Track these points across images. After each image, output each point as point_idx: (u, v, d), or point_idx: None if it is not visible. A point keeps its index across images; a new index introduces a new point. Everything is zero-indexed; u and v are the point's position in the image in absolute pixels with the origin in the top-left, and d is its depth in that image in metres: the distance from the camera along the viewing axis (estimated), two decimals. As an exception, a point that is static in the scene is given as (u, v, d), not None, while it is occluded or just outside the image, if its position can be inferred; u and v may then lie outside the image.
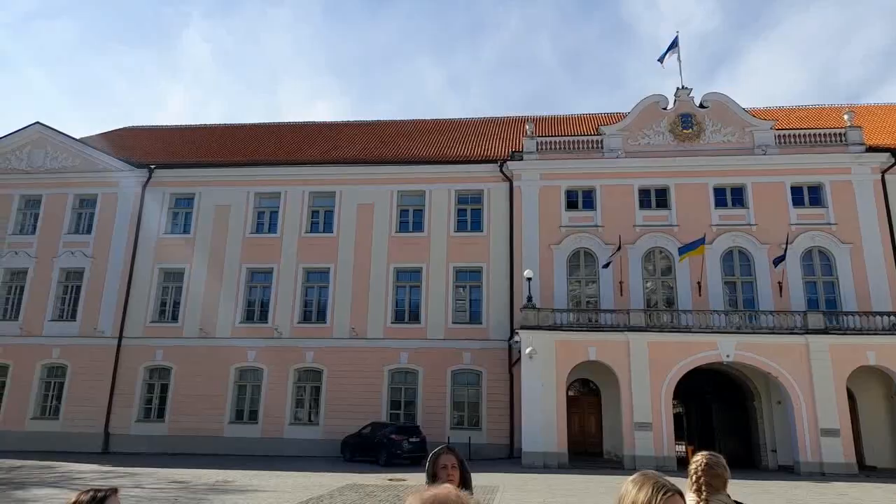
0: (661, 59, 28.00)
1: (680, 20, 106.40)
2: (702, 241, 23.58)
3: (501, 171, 27.19)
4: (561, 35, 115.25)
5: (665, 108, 27.42)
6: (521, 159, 27.10)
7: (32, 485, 16.25)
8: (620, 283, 24.85)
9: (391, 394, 25.28)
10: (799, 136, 26.45)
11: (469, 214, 27.44)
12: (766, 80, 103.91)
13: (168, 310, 27.37)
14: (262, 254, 27.37)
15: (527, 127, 28.37)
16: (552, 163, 26.98)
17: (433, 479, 3.38)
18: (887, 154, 25.43)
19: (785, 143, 26.38)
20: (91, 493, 2.55)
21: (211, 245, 27.63)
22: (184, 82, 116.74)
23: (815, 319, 21.68)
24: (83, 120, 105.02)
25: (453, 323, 25.83)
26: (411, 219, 27.62)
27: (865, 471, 20.72)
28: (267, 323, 26.50)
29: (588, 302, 25.42)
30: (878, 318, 21.95)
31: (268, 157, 30.02)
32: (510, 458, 22.94)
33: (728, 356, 21.50)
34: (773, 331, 21.73)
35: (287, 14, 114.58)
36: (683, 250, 23.98)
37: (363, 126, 34.95)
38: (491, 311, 25.68)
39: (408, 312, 26.34)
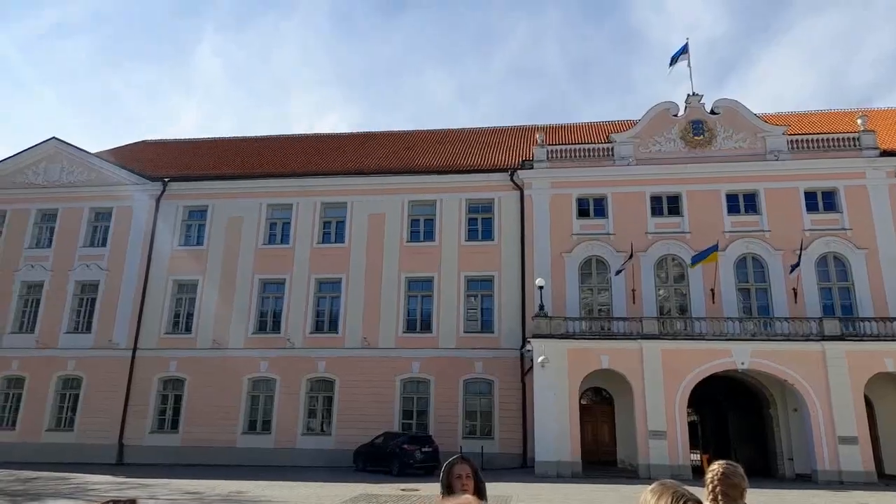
0: (672, 63, 27.87)
1: (689, 26, 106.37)
2: (715, 248, 23.42)
3: (512, 180, 27.21)
4: (569, 43, 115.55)
5: (676, 115, 27.36)
6: (532, 168, 27.12)
7: (48, 496, 16.37)
8: (633, 290, 24.72)
9: (403, 403, 25.24)
10: (812, 140, 26.27)
11: (480, 224, 27.45)
12: (776, 85, 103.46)
13: (182, 321, 27.57)
14: (275, 265, 27.53)
15: (537, 136, 28.40)
16: (563, 171, 26.97)
17: (448, 489, 3.37)
18: (902, 158, 25.16)
19: (798, 148, 26.20)
20: None
21: (224, 257, 27.84)
22: (196, 96, 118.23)
23: (832, 326, 21.42)
24: (98, 135, 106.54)
25: (465, 332, 25.79)
26: (422, 228, 27.68)
27: (885, 479, 20.37)
28: (279, 333, 26.60)
29: (600, 310, 25.29)
30: (895, 323, 21.64)
31: (279, 169, 30.26)
32: (523, 467, 22.78)
33: (743, 363, 21.28)
34: (788, 338, 21.50)
35: (297, 27, 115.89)
36: (696, 259, 23.83)
37: (374, 137, 35.18)
38: (503, 319, 25.62)
39: (419, 322, 26.34)
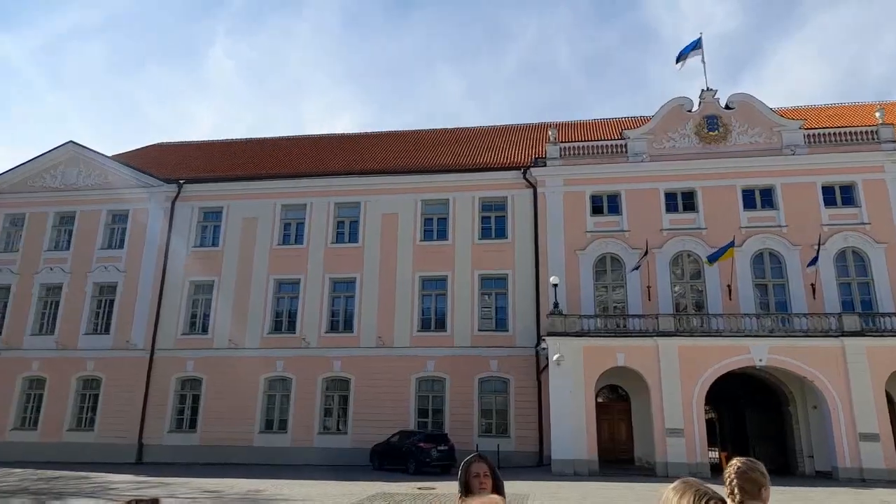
0: (679, 60, 27.62)
1: (702, 21, 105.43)
2: (731, 245, 23.22)
3: (525, 177, 27.15)
4: (581, 40, 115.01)
5: (690, 111, 27.14)
6: (545, 165, 27.03)
7: (70, 495, 16.60)
8: (648, 287, 24.57)
9: (419, 402, 25.28)
10: (829, 135, 25.94)
11: (493, 222, 27.42)
12: (791, 79, 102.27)
13: (198, 322, 27.80)
14: (289, 265, 27.68)
15: (549, 133, 28.31)
16: (576, 168, 26.85)
17: (465, 487, 3.38)
18: (922, 151, 24.77)
19: (814, 142, 25.89)
20: None
21: (239, 257, 28.04)
22: (210, 98, 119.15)
23: (851, 321, 21.15)
24: (113, 138, 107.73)
25: (479, 330, 25.77)
26: (435, 227, 27.70)
27: (908, 477, 20.04)
28: (295, 333, 26.74)
29: (615, 307, 25.15)
30: (916, 318, 21.34)
31: (293, 169, 30.41)
32: (539, 465, 22.74)
33: (761, 360, 21.08)
34: (807, 334, 21.26)
35: (308, 28, 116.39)
36: (713, 257, 23.65)
37: (386, 136, 35.29)
38: (517, 318, 25.57)
39: (434, 321, 26.37)
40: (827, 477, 20.51)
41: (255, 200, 28.80)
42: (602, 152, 27.13)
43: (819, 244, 23.51)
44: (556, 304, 23.07)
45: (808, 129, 26.33)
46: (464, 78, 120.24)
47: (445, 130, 35.35)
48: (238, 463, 24.25)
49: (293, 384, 26.05)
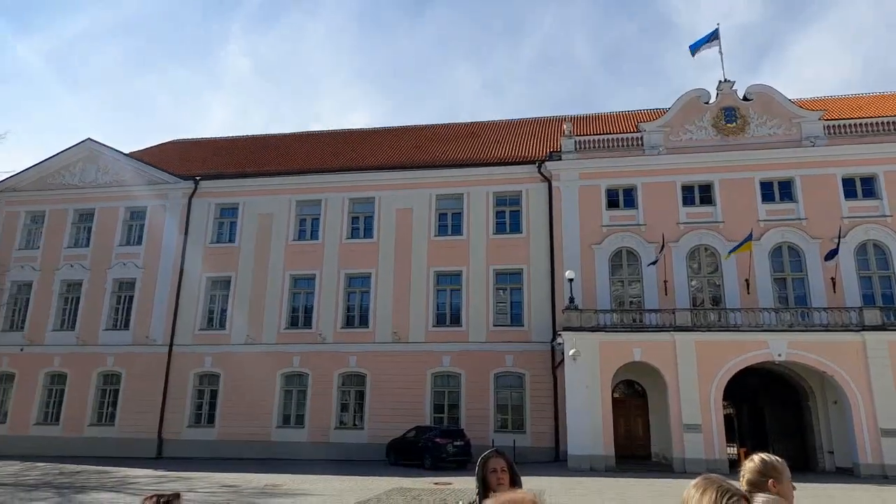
0: (693, 51, 27.27)
1: (721, 12, 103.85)
2: (749, 238, 22.93)
3: (540, 171, 27.00)
4: (597, 32, 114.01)
5: (707, 103, 26.79)
6: (560, 159, 26.84)
7: (92, 489, 16.88)
8: (665, 282, 24.35)
9: (434, 397, 25.33)
10: (850, 125, 25.48)
11: (508, 216, 27.32)
12: (812, 69, 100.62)
13: (215, 317, 28.05)
14: (305, 260, 27.81)
15: (564, 126, 28.10)
16: (591, 162, 26.64)
17: (483, 482, 3.39)
18: (946, 141, 24.26)
19: (835, 133, 25.45)
20: (155, 499, 2.58)
21: (255, 253, 28.22)
22: (226, 95, 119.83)
23: (872, 315, 20.83)
24: (130, 135, 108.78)
25: (494, 325, 25.74)
26: (450, 222, 27.65)
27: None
28: (310, 329, 26.88)
29: (632, 302, 24.99)
30: (940, 312, 20.96)
31: (308, 165, 30.50)
32: (556, 461, 22.71)
33: (780, 355, 20.84)
34: (827, 328, 20.97)
35: (323, 26, 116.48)
36: (732, 250, 23.39)
37: (401, 131, 35.25)
38: (532, 313, 25.50)
39: (449, 316, 26.37)
40: (848, 473, 20.26)
41: (270, 196, 28.94)
42: (618, 145, 26.88)
43: (839, 237, 23.14)
44: (571, 299, 22.97)
45: (827, 120, 25.88)
46: (479, 73, 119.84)
47: (459, 125, 35.24)
48: (255, 458, 24.46)
49: (309, 379, 26.21)
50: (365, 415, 25.50)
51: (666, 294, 24.24)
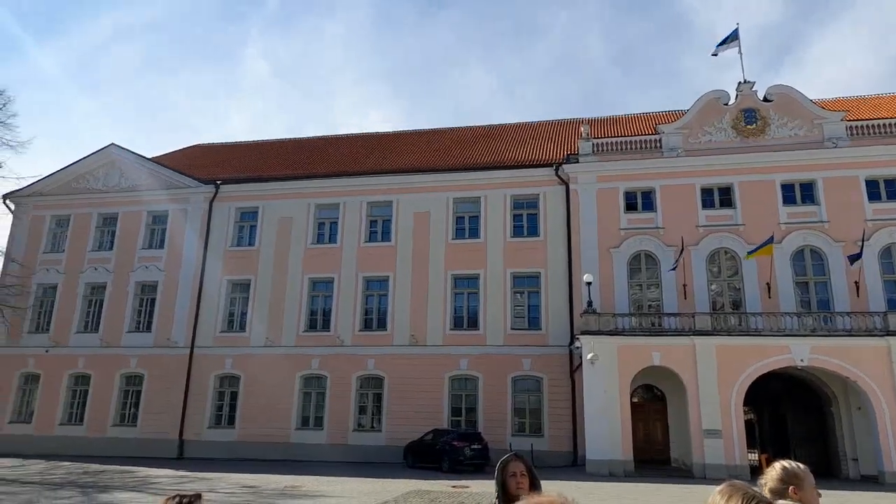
0: (716, 52, 27.09)
1: (739, 11, 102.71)
2: (770, 241, 22.66)
3: (557, 174, 26.94)
4: (613, 33, 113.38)
5: (726, 104, 26.55)
6: (577, 162, 26.76)
7: (115, 488, 17.14)
8: (684, 285, 24.15)
9: (452, 400, 25.35)
10: (872, 126, 25.08)
11: (525, 219, 27.28)
12: (834, 69, 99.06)
13: (236, 320, 28.36)
14: (323, 264, 28.02)
15: (582, 129, 28.01)
16: (609, 164, 26.52)
17: (502, 486, 3.41)
18: (973, 142, 23.77)
19: (858, 134, 25.06)
20: (177, 499, 2.61)
21: (275, 256, 28.49)
22: (245, 99, 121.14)
23: (897, 320, 20.45)
24: (151, 139, 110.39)
25: (512, 329, 25.71)
26: (467, 225, 27.70)
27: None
28: (329, 331, 27.07)
29: (650, 306, 24.80)
30: (967, 317, 20.51)
31: (326, 169, 30.74)
32: (573, 465, 22.60)
33: (802, 360, 20.55)
34: (850, 333, 20.66)
35: (339, 27, 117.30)
36: (750, 252, 23.12)
37: (417, 135, 35.41)
38: (550, 316, 25.43)
39: (466, 319, 26.39)
40: (873, 481, 19.90)
41: (289, 200, 29.21)
42: (636, 148, 26.73)
43: (863, 240, 22.79)
44: (589, 303, 22.88)
45: (850, 120, 25.51)
46: (494, 74, 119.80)
47: (476, 128, 35.30)
48: (275, 459, 24.68)
49: (328, 382, 26.39)
50: (383, 417, 25.60)
51: (685, 298, 24.03)
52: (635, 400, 23.53)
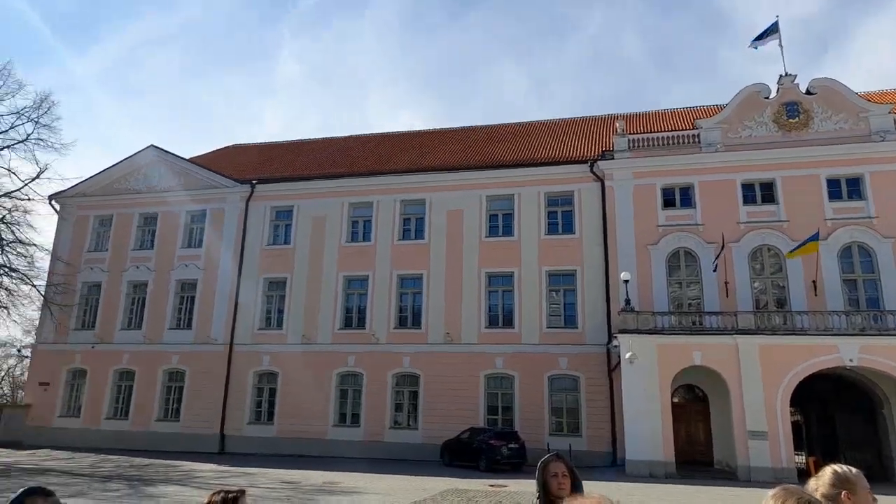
0: (755, 43, 26.38)
1: (778, 4, 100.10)
2: (815, 237, 22.02)
3: (592, 171, 26.62)
4: (648, 28, 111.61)
5: (767, 98, 25.90)
6: (613, 158, 26.41)
7: (160, 482, 17.55)
8: (726, 283, 23.64)
9: (488, 399, 25.29)
10: (923, 118, 24.15)
11: (560, 217, 27.04)
12: (878, 60, 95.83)
13: (273, 317, 28.75)
14: (358, 262, 28.21)
15: (617, 125, 27.63)
16: (645, 160, 26.11)
17: (544, 487, 3.38)
18: None
19: (906, 127, 24.17)
20: (222, 495, 2.63)
21: (310, 255, 28.79)
22: (278, 100, 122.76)
23: (952, 319, 19.69)
24: (187, 139, 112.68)
25: (548, 328, 25.50)
26: (501, 223, 27.57)
27: None
28: (364, 329, 27.25)
29: (690, 304, 24.35)
30: None
31: (359, 168, 30.94)
32: (613, 465, 22.34)
33: (851, 360, 19.94)
34: (902, 332, 19.93)
35: (370, 27, 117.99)
36: (792, 250, 22.51)
37: (450, 133, 35.38)
38: (586, 315, 25.16)
39: (501, 317, 26.28)
40: (926, 485, 19.20)
41: (323, 199, 29.47)
42: (673, 143, 26.25)
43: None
44: (627, 301, 22.57)
45: (898, 113, 24.62)
46: (527, 72, 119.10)
47: (509, 125, 35.11)
48: (312, 455, 24.96)
49: (364, 379, 26.57)
50: (419, 415, 25.67)
51: (727, 296, 23.53)
52: (676, 400, 23.16)
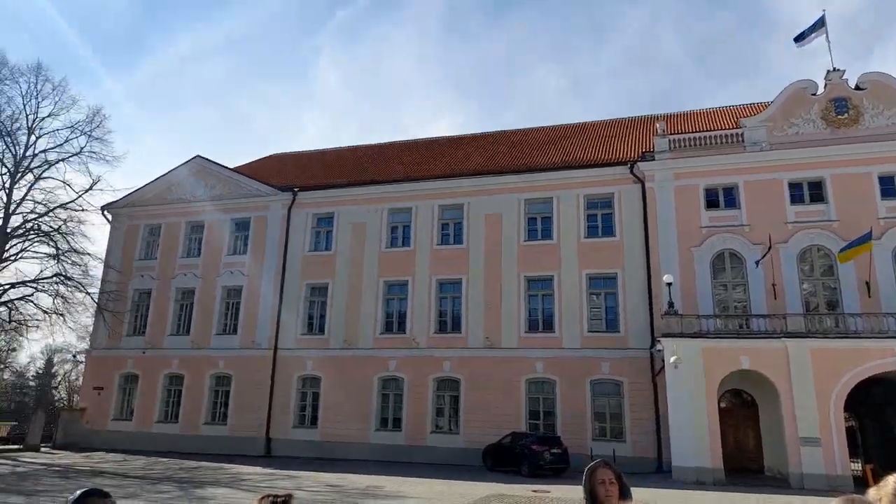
0: (799, 39, 25.70)
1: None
2: (868, 237, 21.26)
3: (632, 172, 26.29)
4: (688, 27, 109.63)
5: (814, 94, 25.16)
6: (653, 159, 26.02)
7: (209, 484, 18.02)
8: (773, 285, 23.01)
9: (529, 404, 25.16)
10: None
11: (599, 219, 26.76)
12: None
13: (315, 322, 29.24)
14: (397, 267, 28.47)
15: (657, 125, 27.23)
16: (687, 161, 25.64)
17: (590, 494, 3.36)
18: None
19: (964, 121, 23.15)
20: (270, 499, 2.66)
21: (350, 260, 29.20)
22: (317, 108, 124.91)
23: None
24: (231, 150, 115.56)
25: (589, 332, 25.25)
26: (539, 227, 27.45)
27: None
28: (405, 334, 27.46)
29: (736, 307, 23.78)
30: None
31: (397, 174, 31.23)
32: (658, 472, 21.93)
33: (908, 364, 19.14)
34: (963, 335, 19.07)
35: (408, 35, 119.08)
36: (844, 249, 21.76)
37: (487, 137, 35.44)
38: (628, 318, 24.83)
39: (541, 321, 26.13)
40: None
41: (363, 206, 29.87)
42: (716, 143, 25.72)
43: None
44: (671, 304, 22.19)
45: (957, 106, 23.59)
46: (565, 74, 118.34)
47: (546, 128, 34.97)
48: (356, 459, 25.24)
49: (405, 384, 26.77)
50: (460, 419, 25.71)
51: (775, 298, 22.90)
52: (723, 405, 22.62)
